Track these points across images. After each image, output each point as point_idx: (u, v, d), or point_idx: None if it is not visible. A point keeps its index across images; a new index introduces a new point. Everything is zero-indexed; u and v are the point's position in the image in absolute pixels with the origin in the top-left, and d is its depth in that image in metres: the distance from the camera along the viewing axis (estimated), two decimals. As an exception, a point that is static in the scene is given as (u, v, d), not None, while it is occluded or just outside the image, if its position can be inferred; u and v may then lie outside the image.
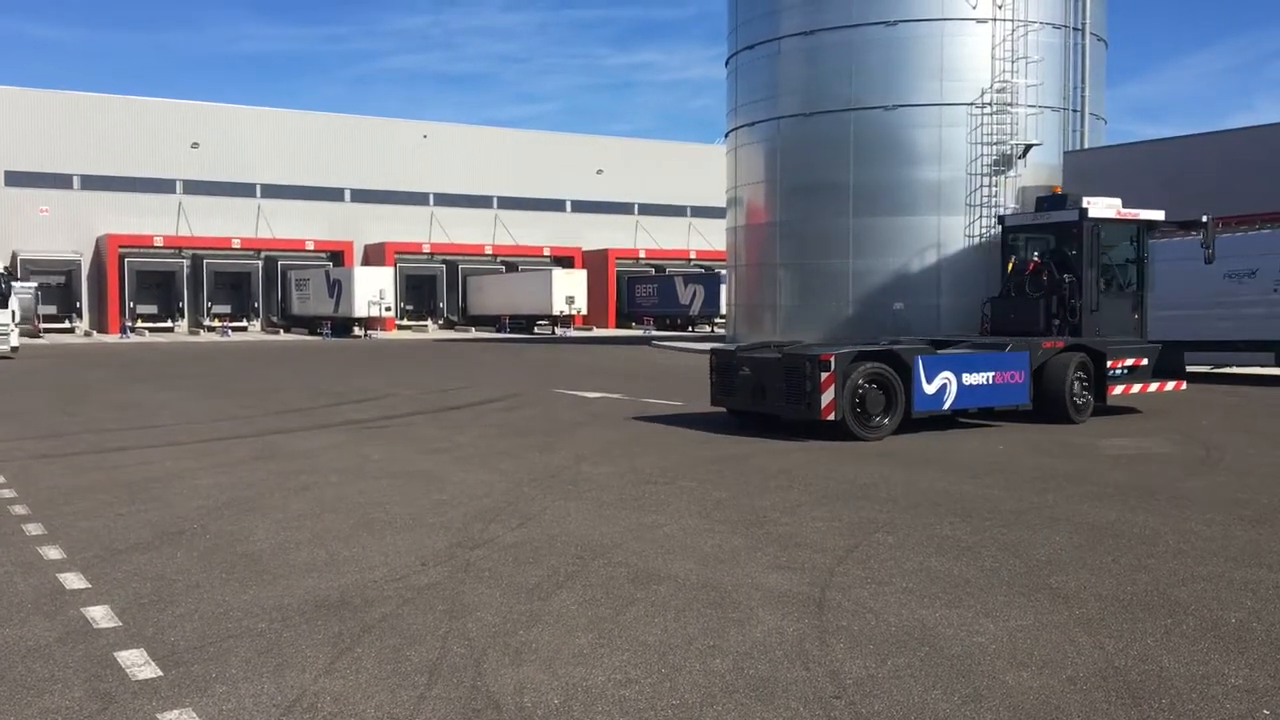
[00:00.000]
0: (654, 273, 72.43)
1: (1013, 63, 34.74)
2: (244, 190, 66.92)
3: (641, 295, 70.35)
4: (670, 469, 10.97)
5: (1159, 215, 16.72)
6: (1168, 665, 5.07)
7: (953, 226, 34.49)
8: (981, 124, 34.83)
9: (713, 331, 59.83)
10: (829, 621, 5.76)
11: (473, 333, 63.36)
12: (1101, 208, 15.88)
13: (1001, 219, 17.74)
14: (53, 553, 7.44)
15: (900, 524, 8.24)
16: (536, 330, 62.19)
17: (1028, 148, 34.94)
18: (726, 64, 41.94)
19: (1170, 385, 16.20)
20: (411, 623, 5.77)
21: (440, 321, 69.09)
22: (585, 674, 5.00)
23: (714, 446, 12.71)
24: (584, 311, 63.54)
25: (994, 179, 34.87)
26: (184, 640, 5.51)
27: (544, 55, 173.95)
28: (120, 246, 61.40)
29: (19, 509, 9.06)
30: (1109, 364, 15.36)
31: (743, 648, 5.34)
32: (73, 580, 6.70)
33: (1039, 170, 35.32)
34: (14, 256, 60.36)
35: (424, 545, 7.59)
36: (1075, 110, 36.39)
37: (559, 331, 61.41)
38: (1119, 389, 15.47)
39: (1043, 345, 15.03)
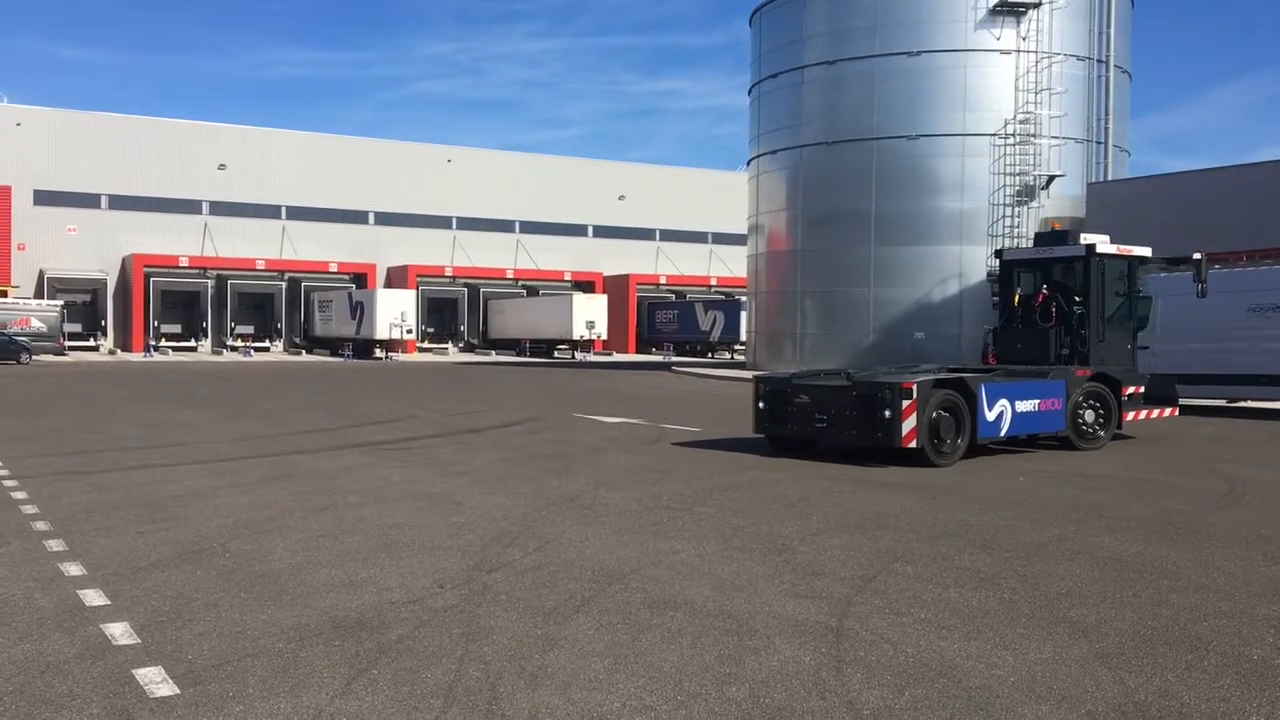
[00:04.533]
0: (674, 298, 72.57)
1: (1036, 94, 34.79)
2: (269, 212, 67.55)
3: (662, 321, 70.44)
4: (689, 495, 10.95)
5: (1147, 251, 17.50)
6: (1188, 701, 5.02)
7: (975, 257, 34.46)
8: (1004, 155, 34.87)
9: (732, 358, 59.81)
10: (846, 651, 5.73)
11: (493, 356, 63.56)
12: (1101, 244, 16.51)
13: (999, 252, 18.22)
14: (73, 569, 7.49)
15: (919, 554, 8.20)
16: (556, 354, 62.36)
17: (1051, 179, 34.94)
18: (750, 92, 42.16)
19: (1167, 411, 16.95)
20: (428, 645, 5.78)
21: (461, 344, 69.36)
22: (601, 700, 4.99)
23: (733, 473, 12.68)
24: (604, 336, 63.69)
25: (1016, 209, 34.86)
26: (202, 659, 5.53)
27: (570, 81, 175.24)
28: (146, 266, 62.02)
29: (41, 525, 9.12)
30: (1123, 391, 15.90)
31: (759, 676, 5.32)
32: (93, 597, 6.74)
33: (1062, 201, 35.29)
34: (41, 275, 61.04)
35: (442, 568, 7.60)
36: (1099, 142, 36.38)
37: (579, 356, 61.53)
38: (1129, 415, 16.13)
39: (1076, 374, 15.41)
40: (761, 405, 14.70)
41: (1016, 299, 17.10)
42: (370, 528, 9.09)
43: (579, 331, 61.63)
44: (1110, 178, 36.08)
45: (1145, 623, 6.34)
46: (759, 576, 7.41)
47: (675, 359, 59.84)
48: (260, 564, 7.69)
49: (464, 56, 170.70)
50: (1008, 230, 34.53)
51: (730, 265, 73.91)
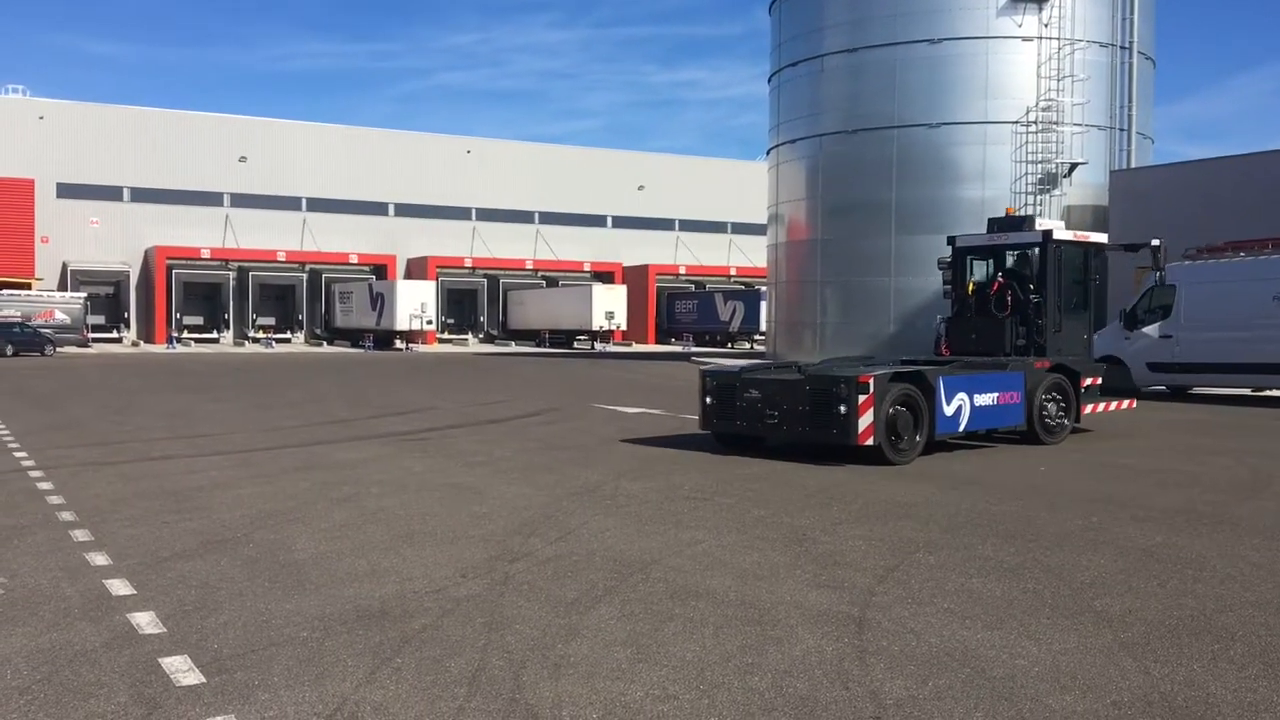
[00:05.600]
0: (694, 289, 72.50)
1: (1059, 81, 34.51)
2: (290, 204, 67.81)
3: (681, 311, 70.39)
4: (709, 485, 10.95)
5: (1103, 238, 17.01)
6: (1214, 691, 4.99)
7: (996, 245, 34.19)
8: (1026, 142, 34.62)
9: (752, 348, 59.73)
10: (869, 641, 5.72)
11: (513, 347, 63.68)
12: (1058, 230, 15.87)
13: (952, 239, 16.95)
14: (99, 559, 7.55)
15: (941, 544, 8.17)
16: (576, 345, 62.41)
17: (1073, 166, 34.68)
18: (769, 81, 41.99)
19: (1125, 404, 16.53)
20: (451, 634, 5.80)
21: (480, 335, 69.52)
22: (624, 689, 4.99)
23: (754, 464, 12.66)
24: (623, 327, 63.73)
25: (1039, 198, 34.61)
26: (227, 647, 5.57)
27: (589, 72, 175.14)
28: (168, 258, 62.41)
29: (67, 515, 9.20)
30: (1082, 383, 15.39)
31: (782, 666, 5.32)
32: (119, 586, 6.79)
33: (1085, 190, 35.03)
34: (64, 267, 61.49)
35: (464, 557, 7.62)
36: (1122, 129, 36.07)
37: (598, 347, 61.58)
38: (1088, 408, 15.49)
39: (1034, 365, 14.82)
40: (708, 400, 13.97)
41: (970, 287, 16.25)
42: (392, 518, 9.13)
43: (598, 322, 61.68)
44: (1133, 165, 35.79)
45: (1171, 613, 6.30)
46: (780, 566, 7.40)
47: (695, 349, 59.79)
48: (284, 554, 7.74)
49: (484, 48, 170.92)
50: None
51: (750, 255, 73.78)
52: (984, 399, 13.83)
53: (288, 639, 5.71)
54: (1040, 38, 34.53)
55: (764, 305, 51.02)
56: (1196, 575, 7.22)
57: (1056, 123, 34.45)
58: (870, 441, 12.25)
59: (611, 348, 61.50)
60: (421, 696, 4.88)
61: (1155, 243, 16.88)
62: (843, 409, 12.28)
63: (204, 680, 5.08)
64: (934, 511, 9.58)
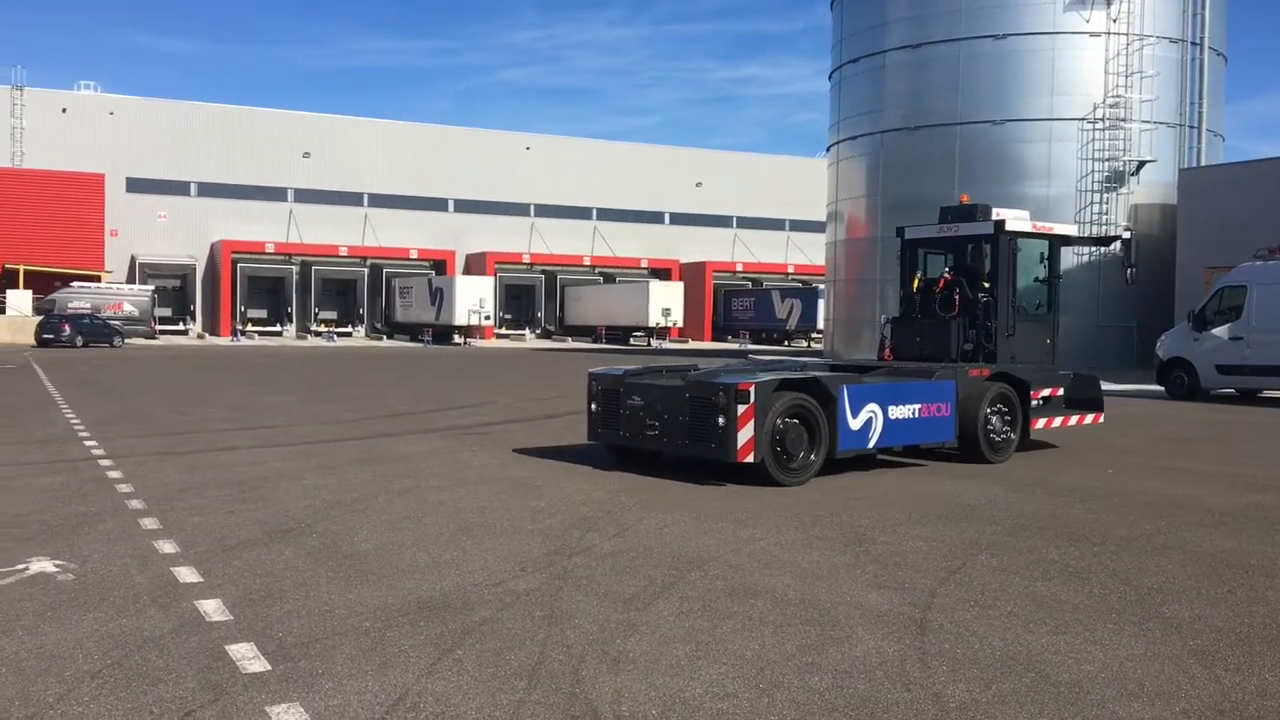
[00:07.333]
0: (751, 286, 72.24)
1: (1127, 77, 33.90)
2: (352, 199, 68.66)
3: (738, 308, 70.18)
4: (768, 484, 10.89)
5: (1072, 229, 15.20)
6: (1289, 702, 4.86)
7: (1060, 244, 33.69)
8: (1093, 140, 34.05)
9: (809, 346, 59.42)
10: (931, 643, 5.66)
11: (569, 343, 63.88)
12: (1013, 219, 13.93)
13: (900, 230, 15.12)
14: (167, 547, 7.69)
15: (1005, 546, 8.06)
16: (632, 341, 62.46)
17: (1141, 164, 34.05)
18: (830, 78, 41.73)
19: (1089, 418, 14.41)
20: (511, 627, 5.83)
21: (538, 331, 69.84)
22: (683, 685, 4.99)
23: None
24: (680, 324, 63.68)
25: (1105, 196, 34.04)
26: (292, 636, 5.65)
27: (648, 69, 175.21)
28: (233, 252, 63.44)
29: (136, 504, 9.39)
30: (1031, 395, 13.56)
31: (842, 666, 5.28)
32: (186, 574, 6.91)
33: (1153, 188, 34.39)
34: (133, 260, 62.80)
35: (522, 551, 7.66)
36: (1191, 126, 35.37)
37: (654, 343, 61.60)
38: (1040, 423, 13.68)
39: (969, 374, 13.05)
40: (594, 407, 12.51)
41: (916, 284, 14.51)
42: (452, 511, 9.20)
43: (655, 319, 61.71)
44: (1203, 163, 35.05)
45: (1241, 620, 6.16)
46: (840, 566, 7.35)
47: (751, 347, 59.59)
48: (346, 545, 7.83)
49: (544, 44, 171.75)
50: (1096, 217, 33.74)
51: (808, 253, 73.37)
52: (901, 411, 12.08)
53: (350, 629, 5.78)
54: (1108, 33, 33.93)
55: (821, 303, 50.72)
56: (1268, 582, 7.06)
57: (1124, 120, 33.85)
58: (751, 458, 10.64)
59: (668, 344, 61.47)
60: (482, 689, 4.92)
61: (1126, 235, 15.58)
62: (721, 420, 10.74)
63: (269, 668, 5.15)
64: (997, 513, 9.45)
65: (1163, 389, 23.93)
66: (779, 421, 10.86)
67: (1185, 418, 16.24)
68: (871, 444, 11.81)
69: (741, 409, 10.60)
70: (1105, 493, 10.70)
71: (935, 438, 12.55)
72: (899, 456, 12.89)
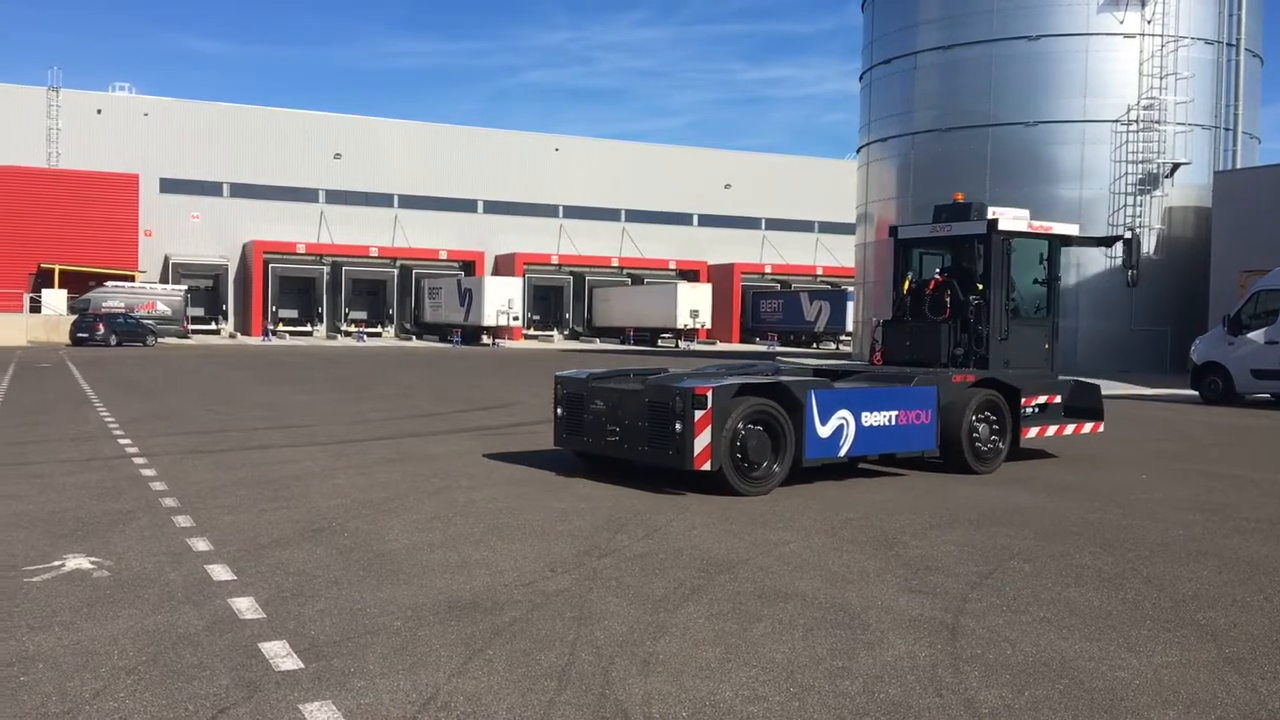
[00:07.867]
0: (779, 288, 72.04)
1: (1161, 79, 33.57)
2: (382, 200, 69.04)
3: (766, 310, 70.02)
4: (797, 486, 10.86)
5: (1073, 229, 14.64)
6: (1328, 712, 4.80)
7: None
8: (1127, 142, 33.74)
9: (837, 349, 59.19)
10: (962, 648, 5.62)
11: (597, 344, 63.94)
12: (1010, 219, 13.41)
13: (894, 229, 14.69)
14: (201, 545, 7.76)
15: (1037, 552, 8.00)
16: (660, 343, 62.43)
17: (1175, 166, 33.71)
18: (861, 79, 41.56)
19: (1088, 427, 13.68)
20: (541, 628, 5.84)
21: (566, 332, 69.95)
22: (713, 688, 4.98)
23: (840, 465, 12.50)
24: (708, 325, 63.63)
25: (1139, 199, 33.72)
26: (324, 634, 5.68)
27: (677, 70, 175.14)
28: (265, 252, 63.92)
29: (169, 501, 9.48)
30: (1023, 402, 12.94)
31: (873, 671, 5.26)
32: (219, 572, 6.97)
33: (1187, 191, 34.05)
34: (166, 260, 63.39)
35: (552, 552, 7.68)
36: (1227, 129, 34.98)
37: (682, 345, 61.54)
38: (1033, 431, 13.06)
39: (952, 379, 12.44)
40: (560, 411, 11.98)
41: (906, 286, 14.08)
42: (481, 511, 9.24)
43: (683, 320, 61.67)
44: (1238, 166, 34.66)
45: (1278, 627, 6.09)
46: (870, 570, 7.32)
47: (779, 349, 59.43)
48: (377, 544, 7.87)
49: (574, 45, 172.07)
50: (1129, 220, 33.44)
51: (836, 255, 73.09)
52: (875, 418, 11.49)
53: (382, 628, 5.81)
54: (1143, 34, 33.63)
55: (850, 305, 50.52)
56: (1306, 591, 6.97)
57: (1158, 122, 33.52)
58: (708, 466, 10.16)
59: (696, 346, 61.42)
60: (513, 689, 4.93)
61: (1127, 236, 15.26)
62: (678, 426, 10.28)
63: (302, 666, 5.19)
64: (1029, 518, 9.39)
65: (1197, 393, 23.71)
66: (740, 427, 10.36)
67: (1220, 423, 16.07)
68: (843, 452, 11.26)
69: (698, 414, 10.13)
70: (1139, 498, 10.60)
71: (914, 446, 11.94)
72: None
